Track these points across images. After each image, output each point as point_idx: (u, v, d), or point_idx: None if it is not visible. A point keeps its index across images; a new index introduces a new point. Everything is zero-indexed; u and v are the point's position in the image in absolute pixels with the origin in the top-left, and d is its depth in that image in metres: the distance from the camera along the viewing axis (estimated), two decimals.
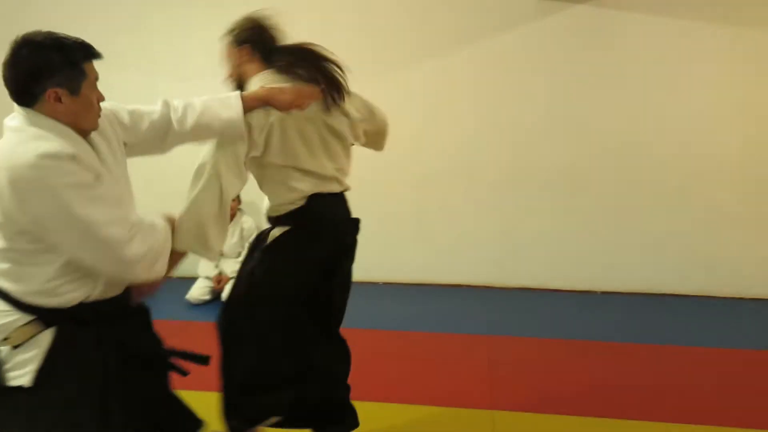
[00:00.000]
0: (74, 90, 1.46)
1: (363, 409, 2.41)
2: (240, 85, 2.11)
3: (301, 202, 2.08)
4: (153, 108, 1.85)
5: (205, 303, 4.29)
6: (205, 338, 3.73)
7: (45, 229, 1.44)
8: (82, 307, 1.56)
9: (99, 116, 1.56)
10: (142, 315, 1.88)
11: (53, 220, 1.42)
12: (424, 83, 4.60)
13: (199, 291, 4.31)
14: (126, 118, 1.76)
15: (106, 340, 1.62)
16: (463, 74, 4.58)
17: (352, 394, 2.41)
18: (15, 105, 1.48)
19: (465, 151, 4.63)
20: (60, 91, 1.44)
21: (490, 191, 4.65)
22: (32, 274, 1.49)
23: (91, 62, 1.51)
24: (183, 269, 4.96)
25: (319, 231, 2.15)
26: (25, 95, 1.45)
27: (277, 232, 2.15)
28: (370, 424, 2.57)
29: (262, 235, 2.26)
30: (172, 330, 3.79)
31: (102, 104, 1.57)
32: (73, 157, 1.42)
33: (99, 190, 1.48)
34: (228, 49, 2.11)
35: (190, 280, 4.52)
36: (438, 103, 4.62)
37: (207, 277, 4.36)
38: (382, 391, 2.93)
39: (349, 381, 2.41)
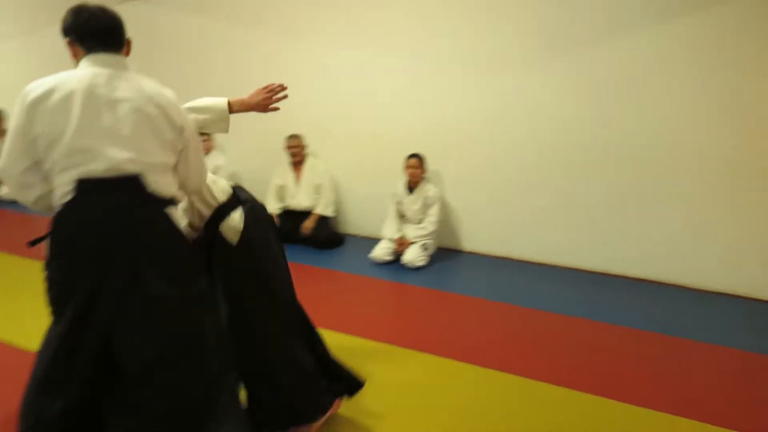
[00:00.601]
0: None
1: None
2: None
3: None
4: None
5: (386, 263, 4.57)
6: (380, 293, 4.02)
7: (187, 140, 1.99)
8: None
9: None
10: None
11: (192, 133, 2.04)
12: (608, 67, 4.29)
13: (381, 251, 4.60)
14: None
15: None
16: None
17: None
18: (93, 54, 1.88)
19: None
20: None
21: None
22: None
23: None
24: (370, 230, 5.34)
25: None
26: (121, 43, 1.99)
27: None
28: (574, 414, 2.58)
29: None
30: (356, 283, 4.14)
31: None
32: None
33: None
34: None
35: (376, 240, 4.84)
36: (626, 86, 4.28)
37: (390, 239, 4.63)
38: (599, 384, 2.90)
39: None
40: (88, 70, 1.85)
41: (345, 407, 2.45)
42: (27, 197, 1.82)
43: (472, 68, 4.77)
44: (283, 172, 5.25)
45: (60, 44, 2.00)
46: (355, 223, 5.52)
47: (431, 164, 4.83)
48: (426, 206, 4.66)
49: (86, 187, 1.75)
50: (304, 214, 5.11)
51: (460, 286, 4.16)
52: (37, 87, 1.78)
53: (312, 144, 5.34)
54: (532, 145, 4.65)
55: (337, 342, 3.08)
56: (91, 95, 1.80)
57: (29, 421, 1.74)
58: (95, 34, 1.90)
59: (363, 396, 2.52)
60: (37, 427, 1.73)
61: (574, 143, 4.50)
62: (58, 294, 1.76)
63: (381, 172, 5.22)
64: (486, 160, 4.83)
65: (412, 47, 4.97)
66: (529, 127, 4.64)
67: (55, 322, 1.77)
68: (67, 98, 1.77)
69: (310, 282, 4.15)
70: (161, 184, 1.85)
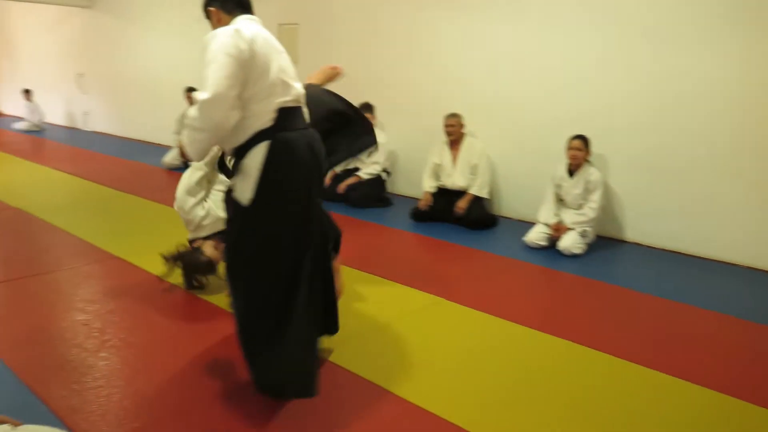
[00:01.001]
0: None
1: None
2: None
3: None
4: None
5: (541, 248, 4.43)
6: (532, 278, 3.91)
7: None
8: None
9: None
10: None
11: None
12: None
13: (536, 235, 4.47)
14: None
15: None
16: None
17: None
18: (243, 15, 2.29)
19: None
20: None
21: None
22: None
23: None
24: (525, 213, 5.22)
25: None
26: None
27: None
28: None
29: None
30: (508, 266, 4.08)
31: None
32: None
33: None
34: None
35: (531, 225, 4.71)
36: None
37: (546, 224, 4.48)
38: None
39: None
40: (256, 25, 2.27)
41: (498, 393, 2.44)
42: (230, 121, 2.12)
43: (646, 44, 4.38)
44: (440, 151, 5.29)
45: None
46: (510, 206, 5.41)
47: (596, 147, 4.55)
48: (587, 191, 4.42)
49: (283, 114, 2.22)
50: (459, 193, 5.12)
51: (620, 277, 3.90)
52: (245, 28, 2.17)
53: (471, 123, 5.31)
54: (715, 129, 4.18)
55: (484, 324, 3.08)
56: (270, 42, 2.25)
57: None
58: (240, 2, 2.34)
59: (510, 381, 2.50)
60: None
61: (761, 126, 3.95)
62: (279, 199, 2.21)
63: (541, 154, 5.04)
64: (659, 144, 4.43)
65: (581, 22, 4.69)
66: (712, 108, 4.17)
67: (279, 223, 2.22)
68: (266, 41, 2.22)
69: (461, 261, 4.17)
70: None
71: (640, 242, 4.65)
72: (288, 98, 2.23)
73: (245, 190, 2.18)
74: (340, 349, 2.72)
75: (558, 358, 2.76)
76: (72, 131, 10.99)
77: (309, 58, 6.82)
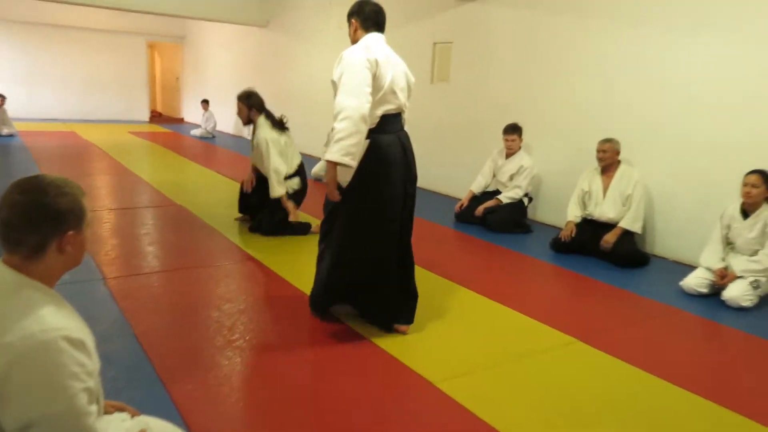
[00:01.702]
0: None
1: None
2: None
3: None
4: None
5: (700, 296, 3.89)
6: (688, 329, 3.41)
7: None
8: None
9: None
10: None
11: None
12: None
13: (696, 281, 3.93)
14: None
15: None
16: None
17: None
18: (374, 33, 2.93)
19: None
20: None
21: None
22: None
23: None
24: (684, 254, 4.67)
25: None
26: None
27: None
28: None
29: None
30: (659, 312, 3.62)
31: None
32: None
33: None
34: None
35: (690, 268, 4.17)
36: None
37: (709, 269, 3.93)
38: None
39: None
40: (381, 43, 2.86)
41: None
42: (365, 129, 2.69)
43: None
44: (590, 178, 4.90)
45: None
46: (666, 244, 4.85)
47: None
48: (764, 235, 3.80)
49: (384, 119, 2.82)
50: (607, 226, 4.69)
51: None
52: (374, 46, 2.78)
53: (628, 149, 4.86)
54: None
55: (624, 374, 2.73)
56: (390, 58, 2.82)
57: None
58: (377, 21, 2.92)
59: None
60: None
61: None
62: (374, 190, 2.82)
63: (709, 188, 4.46)
64: None
65: (763, 28, 4.07)
66: None
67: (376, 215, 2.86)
68: (387, 58, 2.79)
69: (603, 301, 3.79)
70: None
71: None
72: (392, 107, 2.83)
73: (347, 177, 2.79)
74: (457, 381, 2.56)
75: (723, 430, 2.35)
76: (238, 139, 12.01)
77: (461, 76, 6.78)
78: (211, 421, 2.17)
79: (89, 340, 1.39)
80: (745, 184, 3.86)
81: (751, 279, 3.74)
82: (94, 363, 1.39)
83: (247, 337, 2.89)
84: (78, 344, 1.32)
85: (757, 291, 3.74)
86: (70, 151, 8.97)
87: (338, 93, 2.67)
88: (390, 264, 2.94)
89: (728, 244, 4.00)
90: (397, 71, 2.84)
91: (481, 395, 2.47)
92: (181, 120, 15.97)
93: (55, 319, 1.31)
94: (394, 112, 2.85)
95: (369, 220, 2.85)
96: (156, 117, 16.09)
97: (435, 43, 7.13)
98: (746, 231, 3.87)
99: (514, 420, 2.29)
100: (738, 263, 3.83)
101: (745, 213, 3.90)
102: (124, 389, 2.31)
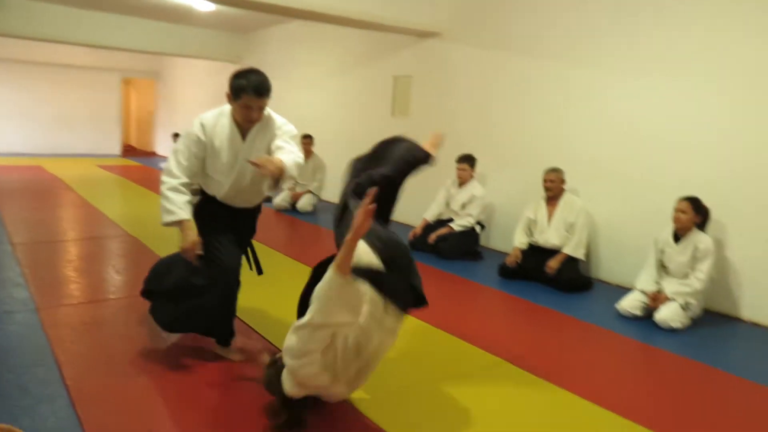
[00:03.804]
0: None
1: None
2: None
3: None
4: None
5: (635, 318, 3.98)
6: (623, 352, 3.48)
7: None
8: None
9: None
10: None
11: None
12: None
13: (631, 303, 4.02)
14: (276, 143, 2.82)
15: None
16: None
17: None
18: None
19: None
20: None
21: None
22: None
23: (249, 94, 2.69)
24: (623, 278, 4.78)
25: None
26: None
27: None
28: None
29: None
30: (596, 336, 3.68)
31: (277, 125, 2.89)
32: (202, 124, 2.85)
33: (194, 148, 2.83)
34: None
35: (628, 290, 4.27)
36: None
37: (643, 291, 4.03)
38: None
39: None
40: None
41: None
42: None
43: None
44: (536, 207, 5.03)
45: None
46: (609, 269, 4.96)
47: (715, 212, 4.06)
48: (695, 259, 3.92)
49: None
50: (553, 252, 4.80)
51: (728, 362, 3.37)
52: None
53: (573, 180, 5.01)
54: None
55: (568, 403, 2.76)
56: None
57: None
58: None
59: None
60: None
61: None
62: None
63: (649, 216, 4.60)
64: None
65: (708, 81, 4.27)
66: None
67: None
68: None
69: (547, 326, 3.85)
70: None
71: (759, 322, 4.01)
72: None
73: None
74: (379, 404, 2.59)
75: None
76: None
77: (421, 108, 6.96)
78: None
79: None
80: (675, 210, 4.00)
81: (682, 301, 3.84)
82: None
83: (174, 368, 2.89)
84: None
85: (687, 313, 3.84)
86: (32, 184, 8.93)
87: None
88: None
89: (663, 268, 4.11)
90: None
91: (401, 416, 2.50)
92: (153, 153, 16.01)
93: None
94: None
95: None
96: (129, 150, 16.11)
97: (395, 77, 7.33)
98: (678, 255, 3.99)
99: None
100: (670, 286, 3.93)
101: (677, 237, 4.03)
102: (36, 414, 2.31)
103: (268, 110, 2.88)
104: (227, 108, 2.87)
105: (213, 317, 2.96)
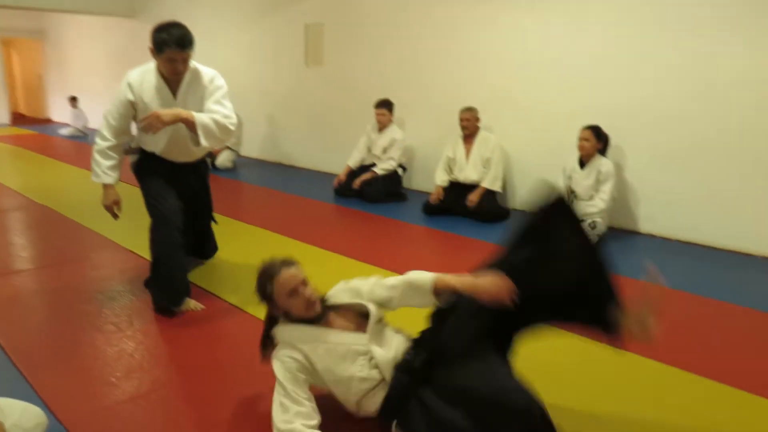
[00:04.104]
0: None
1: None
2: None
3: None
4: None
5: None
6: None
7: None
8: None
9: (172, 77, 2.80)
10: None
11: None
12: None
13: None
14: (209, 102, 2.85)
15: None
16: None
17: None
18: None
19: None
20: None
21: None
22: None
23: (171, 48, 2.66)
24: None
25: None
26: None
27: None
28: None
29: None
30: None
31: (208, 78, 2.90)
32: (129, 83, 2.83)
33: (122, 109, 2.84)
34: None
35: None
36: None
37: None
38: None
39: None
40: None
41: None
42: None
43: (666, 33, 4.24)
44: (454, 145, 5.26)
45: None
46: (523, 198, 5.32)
47: (615, 138, 4.43)
48: (598, 182, 4.30)
49: None
50: (472, 187, 5.07)
51: (631, 269, 3.77)
52: None
53: (487, 117, 5.25)
54: (730, 115, 4.01)
55: None
56: None
57: None
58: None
59: None
60: None
61: None
62: None
63: (557, 147, 4.94)
64: (675, 133, 4.29)
65: (600, 14, 4.57)
66: (732, 95, 4.00)
67: None
68: None
69: (471, 254, 4.12)
70: None
71: (656, 234, 4.50)
72: None
73: None
74: None
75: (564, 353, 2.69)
76: None
77: (335, 57, 6.92)
78: (76, 405, 2.19)
79: None
80: (579, 139, 4.33)
81: (589, 221, 4.23)
82: None
83: (115, 320, 2.89)
84: None
85: (595, 231, 4.24)
86: None
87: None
88: None
89: (571, 193, 4.47)
90: None
91: None
92: (48, 120, 14.90)
93: None
94: None
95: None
96: (19, 119, 14.89)
97: (307, 25, 7.22)
98: (583, 179, 4.36)
99: None
100: (579, 208, 4.30)
101: (582, 164, 4.38)
102: None
103: (195, 63, 2.85)
104: (152, 64, 2.83)
105: (162, 271, 2.96)
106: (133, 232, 4.33)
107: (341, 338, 1.95)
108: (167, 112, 2.63)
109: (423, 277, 1.99)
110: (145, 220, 3.05)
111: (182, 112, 2.68)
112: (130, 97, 2.82)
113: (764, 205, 3.96)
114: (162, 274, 2.97)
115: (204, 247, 3.59)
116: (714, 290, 3.39)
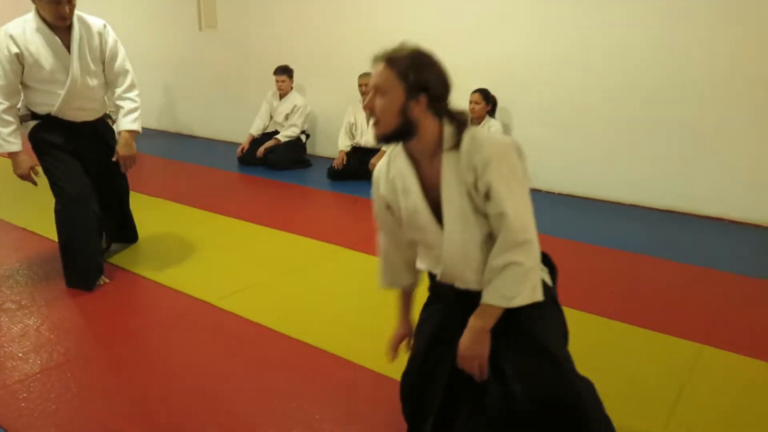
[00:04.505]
0: None
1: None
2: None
3: None
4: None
5: None
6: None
7: None
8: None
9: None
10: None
11: None
12: None
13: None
14: (107, 55, 2.89)
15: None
16: None
17: None
18: None
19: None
20: None
21: None
22: None
23: None
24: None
25: None
26: None
27: None
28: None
29: None
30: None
31: (98, 29, 2.84)
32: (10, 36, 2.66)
33: (7, 64, 2.66)
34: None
35: None
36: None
37: None
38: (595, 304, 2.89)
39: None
40: None
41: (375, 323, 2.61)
42: None
43: None
44: (355, 110, 5.39)
45: None
46: None
47: (501, 100, 4.76)
48: None
49: None
50: (374, 151, 5.25)
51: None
52: None
53: None
54: (606, 76, 4.43)
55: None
56: None
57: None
58: None
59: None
60: None
61: (653, 73, 4.23)
62: None
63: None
64: (556, 93, 4.67)
65: None
66: (602, 56, 4.41)
67: None
68: None
69: (370, 216, 4.32)
70: None
71: (542, 188, 4.93)
72: None
73: None
74: (235, 297, 2.85)
75: None
76: None
77: (230, 20, 6.76)
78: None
79: None
80: (470, 102, 4.62)
81: None
82: None
83: (18, 301, 2.84)
84: None
85: None
86: None
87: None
88: None
89: None
90: None
91: (258, 305, 2.80)
92: None
93: None
94: None
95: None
96: None
97: None
98: None
99: (288, 320, 2.66)
100: None
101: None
102: None
103: (79, 12, 2.76)
104: (31, 14, 2.70)
105: (73, 256, 2.88)
106: (24, 210, 4.16)
107: None
108: (131, 152, 3.02)
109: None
110: (35, 195, 2.96)
111: (132, 143, 2.97)
112: (14, 49, 2.65)
113: (638, 159, 4.45)
114: (74, 259, 2.88)
115: (123, 227, 3.42)
116: (581, 234, 3.83)
